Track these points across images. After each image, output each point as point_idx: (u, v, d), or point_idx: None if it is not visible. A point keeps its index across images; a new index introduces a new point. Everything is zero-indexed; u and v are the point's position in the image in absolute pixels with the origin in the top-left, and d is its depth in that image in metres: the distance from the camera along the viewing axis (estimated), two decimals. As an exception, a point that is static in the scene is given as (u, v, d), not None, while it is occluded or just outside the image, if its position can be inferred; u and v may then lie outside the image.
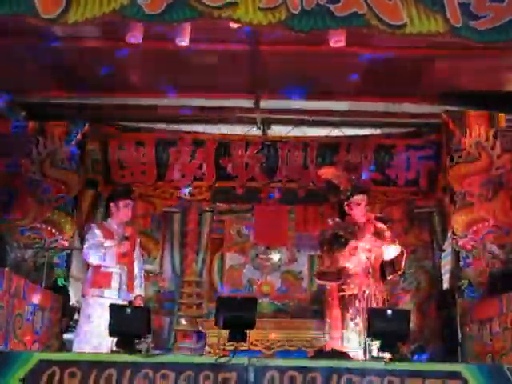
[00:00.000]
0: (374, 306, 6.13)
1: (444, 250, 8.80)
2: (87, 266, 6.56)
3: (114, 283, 6.20)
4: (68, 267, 7.65)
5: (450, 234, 7.94)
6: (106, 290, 6.14)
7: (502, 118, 7.56)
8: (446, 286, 8.45)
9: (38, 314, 6.39)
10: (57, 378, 4.59)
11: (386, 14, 5.25)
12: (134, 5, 5.16)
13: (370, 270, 6.33)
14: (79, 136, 8.01)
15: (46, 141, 7.89)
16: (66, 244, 7.62)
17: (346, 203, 6.54)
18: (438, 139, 8.19)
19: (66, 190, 7.82)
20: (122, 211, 6.42)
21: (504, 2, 5.31)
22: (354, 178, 6.91)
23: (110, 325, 4.94)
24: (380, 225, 6.53)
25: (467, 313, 6.87)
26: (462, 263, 7.22)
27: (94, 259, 6.19)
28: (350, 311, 6.17)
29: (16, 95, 7.51)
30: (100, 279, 6.18)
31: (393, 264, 6.54)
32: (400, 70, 6.55)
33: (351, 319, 6.15)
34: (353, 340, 6.08)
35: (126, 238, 6.26)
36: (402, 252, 6.50)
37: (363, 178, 8.72)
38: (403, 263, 6.57)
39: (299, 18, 5.22)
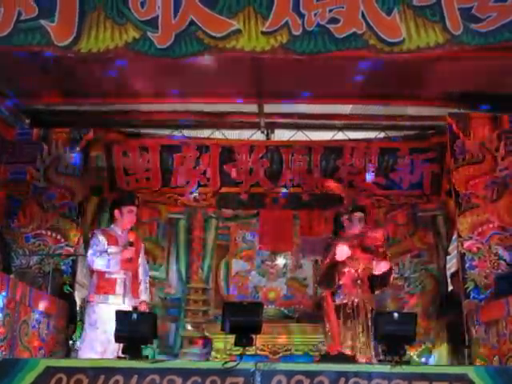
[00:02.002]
0: (363, 315, 6.23)
1: (449, 253, 8.81)
2: (91, 272, 6.55)
3: (119, 289, 6.18)
4: (73, 274, 7.65)
5: (454, 236, 7.93)
6: (110, 296, 6.13)
7: (506, 119, 7.54)
8: (451, 288, 8.45)
9: (44, 320, 6.38)
10: (64, 384, 4.59)
11: (384, 31, 5.36)
12: (145, 38, 5.36)
13: (359, 282, 6.39)
14: (83, 142, 8.03)
15: (50, 148, 7.91)
16: (71, 250, 7.62)
17: (346, 217, 6.64)
18: (442, 142, 8.18)
19: (70, 196, 7.82)
20: (127, 217, 6.41)
21: (508, 0, 5.32)
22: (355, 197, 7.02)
23: (116, 331, 4.93)
24: (375, 235, 6.58)
25: (473, 315, 6.85)
26: (467, 265, 7.18)
27: (98, 266, 6.18)
28: (342, 318, 6.24)
29: (20, 102, 7.54)
30: (104, 285, 6.17)
31: (381, 279, 6.59)
32: (403, 73, 6.56)
33: (344, 324, 6.22)
34: (348, 344, 6.15)
35: (131, 244, 6.25)
36: (390, 268, 6.53)
37: (367, 181, 8.78)
38: (391, 279, 6.60)
39: (301, 41, 5.36)
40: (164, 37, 5.37)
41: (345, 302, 6.28)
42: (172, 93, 7.38)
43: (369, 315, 6.25)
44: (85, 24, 5.38)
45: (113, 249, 6.22)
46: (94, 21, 5.40)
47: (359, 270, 6.39)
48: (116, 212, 6.43)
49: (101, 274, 6.19)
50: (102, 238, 6.29)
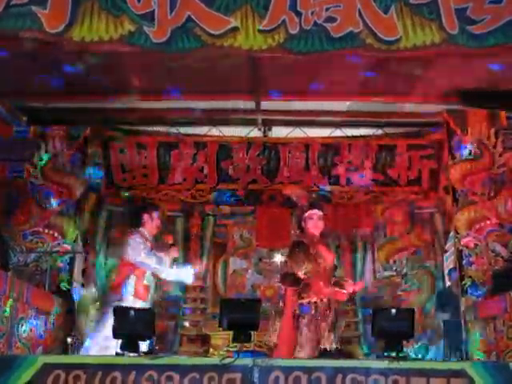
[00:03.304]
0: (329, 313, 6.26)
1: (446, 251, 8.81)
2: (122, 277, 6.32)
3: (150, 295, 6.27)
4: (71, 271, 7.64)
5: (452, 233, 7.94)
6: (144, 303, 6.14)
7: (503, 116, 7.56)
8: (448, 285, 8.47)
9: (42, 318, 6.39)
10: (61, 381, 4.59)
11: (381, 29, 5.41)
12: (141, 32, 5.38)
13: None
14: (80, 140, 8.02)
15: (47, 145, 7.89)
16: (69, 248, 7.61)
17: (304, 216, 6.74)
18: (440, 138, 8.20)
19: (67, 194, 7.81)
20: (155, 221, 6.47)
21: (502, 2, 5.35)
22: (313, 195, 7.04)
23: (113, 327, 4.94)
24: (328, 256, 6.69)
25: (471, 311, 6.86)
26: (464, 262, 7.20)
27: (152, 264, 6.18)
28: (306, 318, 6.22)
29: (17, 100, 7.52)
30: (142, 291, 6.17)
31: None
32: (401, 70, 6.57)
33: (306, 326, 6.21)
34: (305, 347, 6.14)
35: (172, 245, 6.35)
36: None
37: (364, 178, 8.80)
38: None
39: (298, 40, 5.40)
40: (160, 32, 5.38)
41: (313, 300, 6.28)
42: (169, 90, 7.36)
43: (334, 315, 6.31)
44: (78, 13, 5.38)
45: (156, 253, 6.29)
46: (87, 10, 5.41)
47: (327, 268, 6.46)
48: (146, 216, 6.44)
49: (139, 280, 6.18)
50: (142, 241, 6.29)
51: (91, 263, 8.50)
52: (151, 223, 6.43)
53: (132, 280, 6.18)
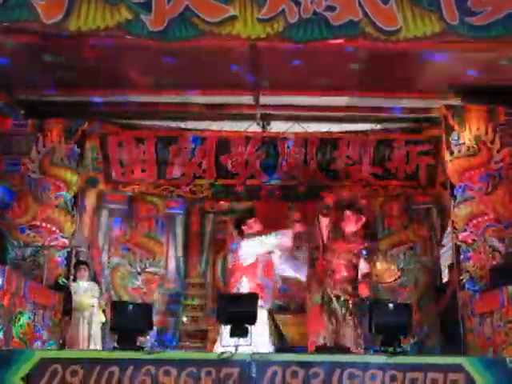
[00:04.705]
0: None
1: (443, 246, 8.82)
2: (235, 280, 6.72)
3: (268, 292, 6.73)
4: (68, 265, 7.62)
5: (449, 228, 7.95)
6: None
7: (502, 111, 7.56)
8: (445, 280, 8.48)
9: (39, 312, 6.38)
10: (59, 375, 4.60)
11: (381, 19, 5.42)
12: (138, 20, 5.38)
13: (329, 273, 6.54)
14: (78, 134, 7.99)
15: (45, 139, 7.86)
16: (66, 242, 7.59)
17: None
18: (438, 134, 8.18)
19: (65, 187, 7.77)
20: (255, 227, 6.90)
21: (503, -6, 5.36)
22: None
23: (111, 322, 4.95)
24: None
25: (468, 306, 6.88)
26: (462, 257, 7.20)
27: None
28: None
29: (15, 93, 7.50)
30: (259, 290, 6.39)
31: None
32: (399, 65, 6.57)
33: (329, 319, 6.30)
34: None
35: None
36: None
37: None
38: None
39: (296, 29, 5.41)
40: (157, 20, 5.38)
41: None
42: (168, 84, 7.35)
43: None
44: (75, 3, 5.37)
45: None
46: (84, 0, 5.40)
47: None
48: (245, 227, 6.91)
49: (251, 280, 6.59)
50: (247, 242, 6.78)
51: (96, 262, 8.56)
52: (251, 230, 6.87)
53: (245, 283, 6.54)
